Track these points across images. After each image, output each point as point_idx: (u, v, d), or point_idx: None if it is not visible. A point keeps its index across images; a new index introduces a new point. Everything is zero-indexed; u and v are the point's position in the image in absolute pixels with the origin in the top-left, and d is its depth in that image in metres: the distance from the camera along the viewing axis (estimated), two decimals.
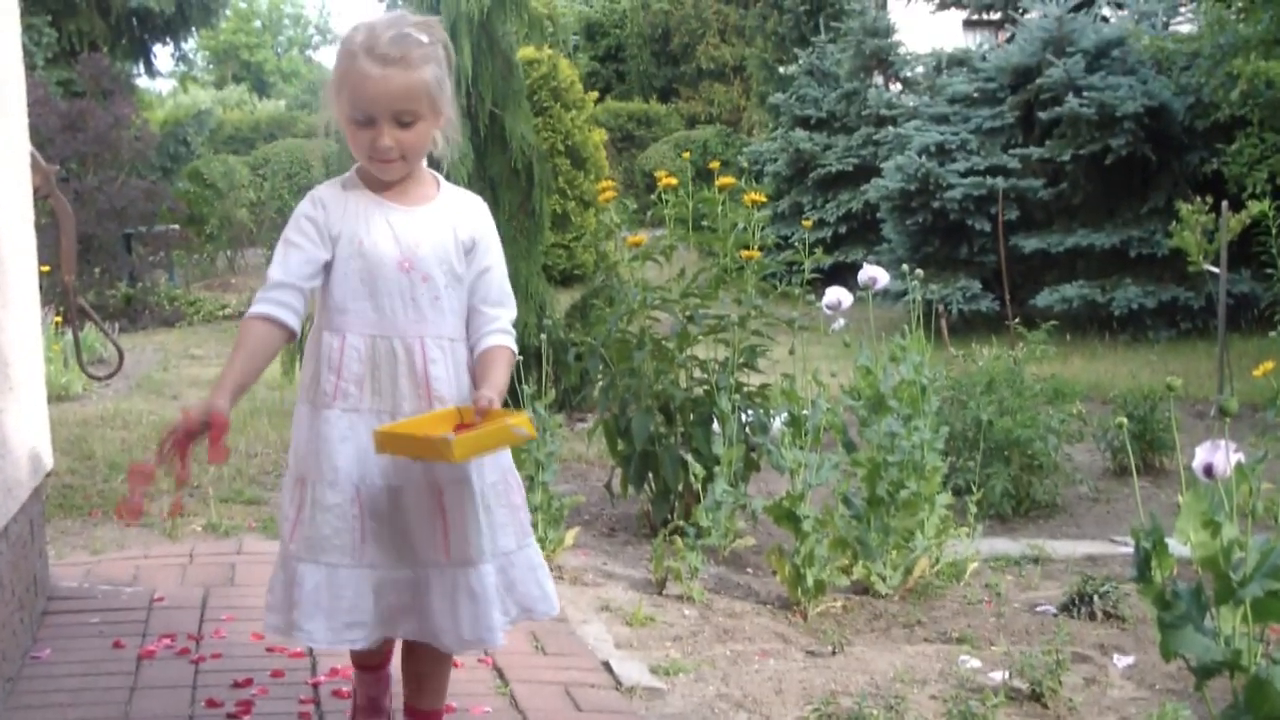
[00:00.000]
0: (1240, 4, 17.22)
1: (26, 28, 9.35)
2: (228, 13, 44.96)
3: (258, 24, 66.17)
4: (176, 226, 24.46)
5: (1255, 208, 12.46)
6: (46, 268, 8.41)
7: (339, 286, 4.36)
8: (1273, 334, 10.17)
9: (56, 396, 11.21)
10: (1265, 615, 3.86)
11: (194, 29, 34.94)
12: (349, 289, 4.35)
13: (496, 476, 4.53)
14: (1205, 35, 18.29)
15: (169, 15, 31.64)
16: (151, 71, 36.13)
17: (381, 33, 4.30)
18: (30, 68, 8.53)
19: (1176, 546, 3.96)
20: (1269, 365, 5.28)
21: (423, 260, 4.38)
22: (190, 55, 56.16)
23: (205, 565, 7.55)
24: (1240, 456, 3.88)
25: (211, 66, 61.79)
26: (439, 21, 4.61)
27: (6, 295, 6.00)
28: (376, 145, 4.29)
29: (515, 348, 4.61)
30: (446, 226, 4.49)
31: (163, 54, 35.36)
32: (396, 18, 4.46)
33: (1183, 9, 20.43)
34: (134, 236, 22.81)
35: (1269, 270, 13.85)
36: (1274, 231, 12.07)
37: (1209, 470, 3.88)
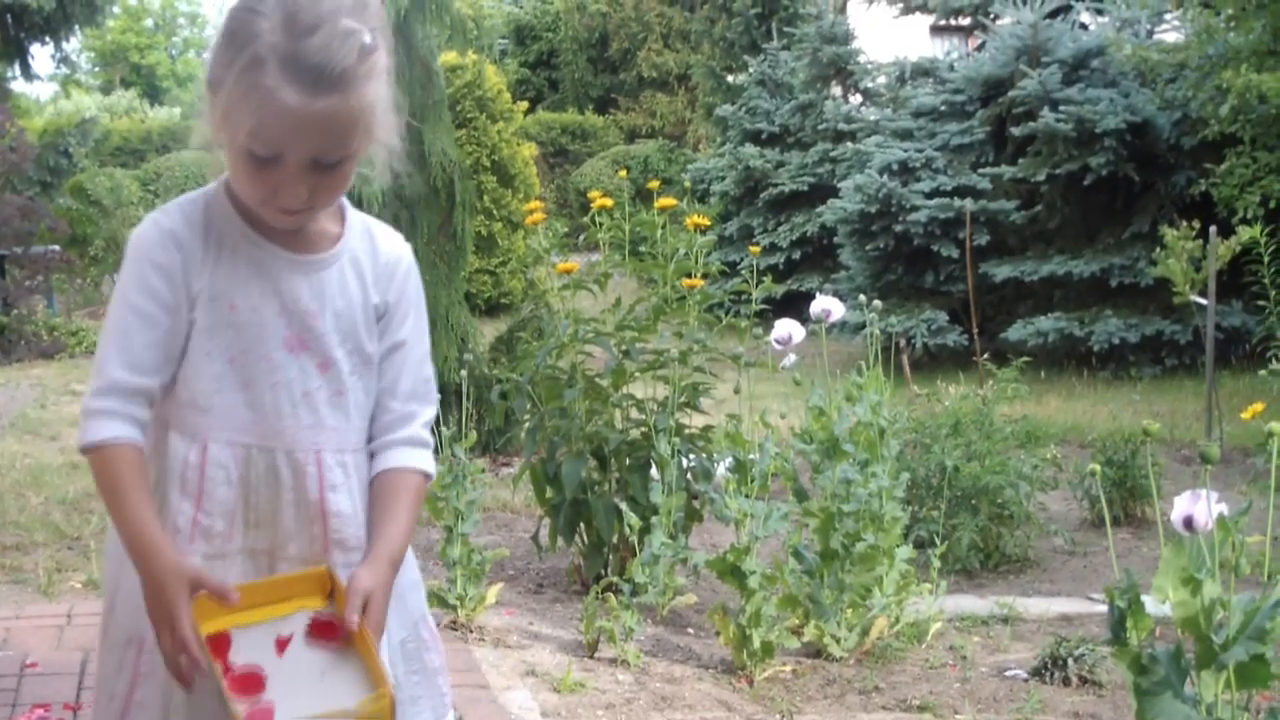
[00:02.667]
0: (1231, 11, 17.31)
1: None
2: (115, 9, 44.75)
3: (150, 23, 66.09)
4: (57, 248, 24.40)
5: (1246, 234, 12.56)
6: None
7: (198, 371, 3.33)
8: (1264, 371, 10.25)
9: None
10: (1250, 681, 3.90)
11: (77, 27, 34.53)
12: (213, 375, 3.33)
13: (405, 632, 3.68)
14: (1193, 45, 18.40)
15: (49, 11, 30.98)
16: (29, 74, 35.85)
17: (305, 30, 3.10)
18: None
19: (1155, 605, 4.00)
20: (1259, 406, 5.33)
21: (321, 338, 3.39)
22: (73, 57, 55.94)
23: (85, 627, 7.53)
24: (1224, 507, 3.93)
25: (97, 69, 61.67)
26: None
27: None
28: (281, 194, 3.25)
29: (431, 468, 3.73)
30: (354, 284, 3.47)
31: (41, 55, 35.16)
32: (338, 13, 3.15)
33: (1168, 16, 20.56)
34: (8, 258, 22.73)
35: (1261, 302, 13.94)
36: (1266, 260, 12.18)
37: (1189, 523, 3.92)
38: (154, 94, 56.21)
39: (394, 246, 3.64)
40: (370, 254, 3.53)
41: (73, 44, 46.31)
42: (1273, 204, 16.29)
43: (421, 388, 3.63)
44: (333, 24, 3.11)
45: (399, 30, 12.03)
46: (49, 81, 50.44)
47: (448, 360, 11.57)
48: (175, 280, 3.26)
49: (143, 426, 3.25)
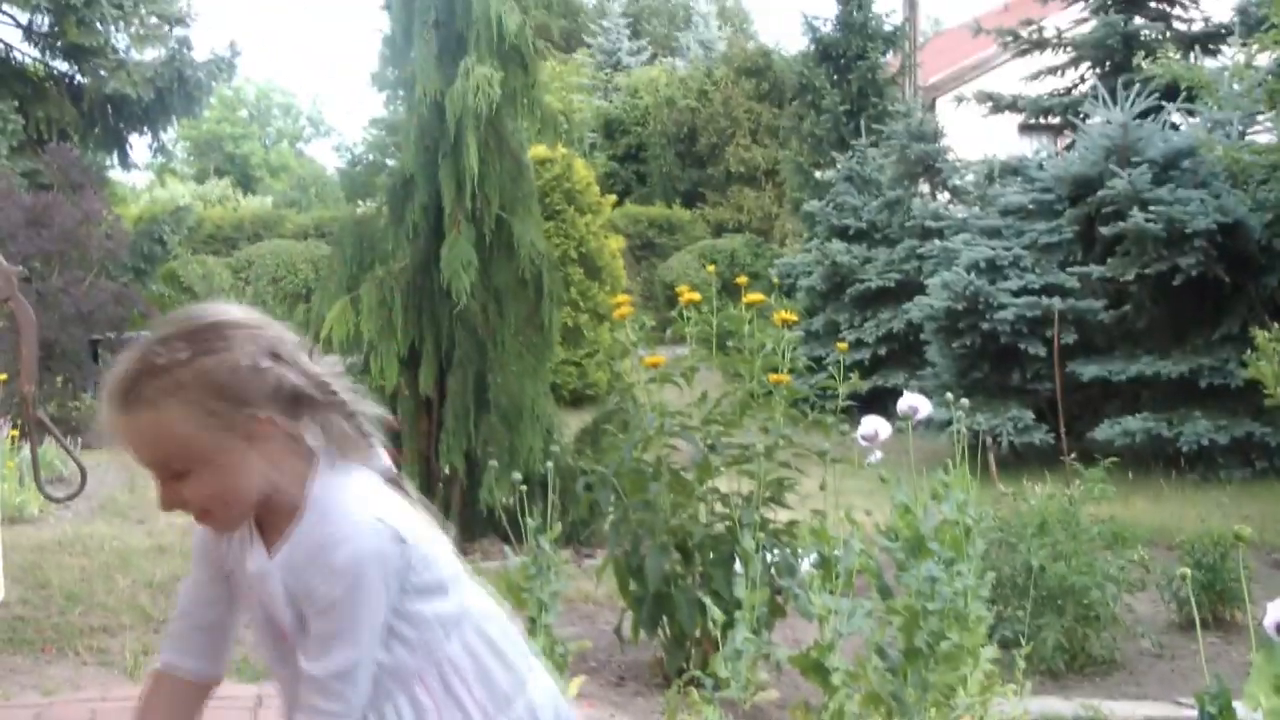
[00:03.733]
0: None
1: None
2: (212, 100, 45.08)
3: (244, 114, 66.66)
4: (149, 334, 24.48)
5: None
6: (4, 376, 8.42)
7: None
8: None
9: (10, 518, 11.24)
10: None
11: (175, 118, 34.81)
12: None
13: None
14: None
15: (147, 103, 31.26)
16: (126, 163, 36.15)
17: (118, 364, 3.37)
18: None
19: (1246, 712, 3.96)
20: None
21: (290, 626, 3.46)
22: (169, 146, 56.20)
23: None
24: None
25: (192, 158, 62.20)
26: (209, 321, 3.46)
27: None
28: (160, 502, 3.40)
29: None
30: (278, 583, 3.45)
31: (139, 144, 35.27)
32: (146, 337, 3.50)
33: (1261, 118, 20.47)
34: (102, 344, 22.81)
35: None
36: None
37: None
38: (247, 183, 56.65)
39: (322, 545, 3.43)
40: (300, 553, 3.44)
41: (169, 134, 46.46)
42: None
43: (322, 645, 3.41)
44: (135, 344, 3.35)
45: (490, 124, 12.06)
46: (145, 170, 50.79)
47: (533, 451, 11.56)
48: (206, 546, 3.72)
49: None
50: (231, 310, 3.57)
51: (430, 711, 3.59)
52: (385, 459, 3.73)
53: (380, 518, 3.44)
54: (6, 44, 31.24)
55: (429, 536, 3.68)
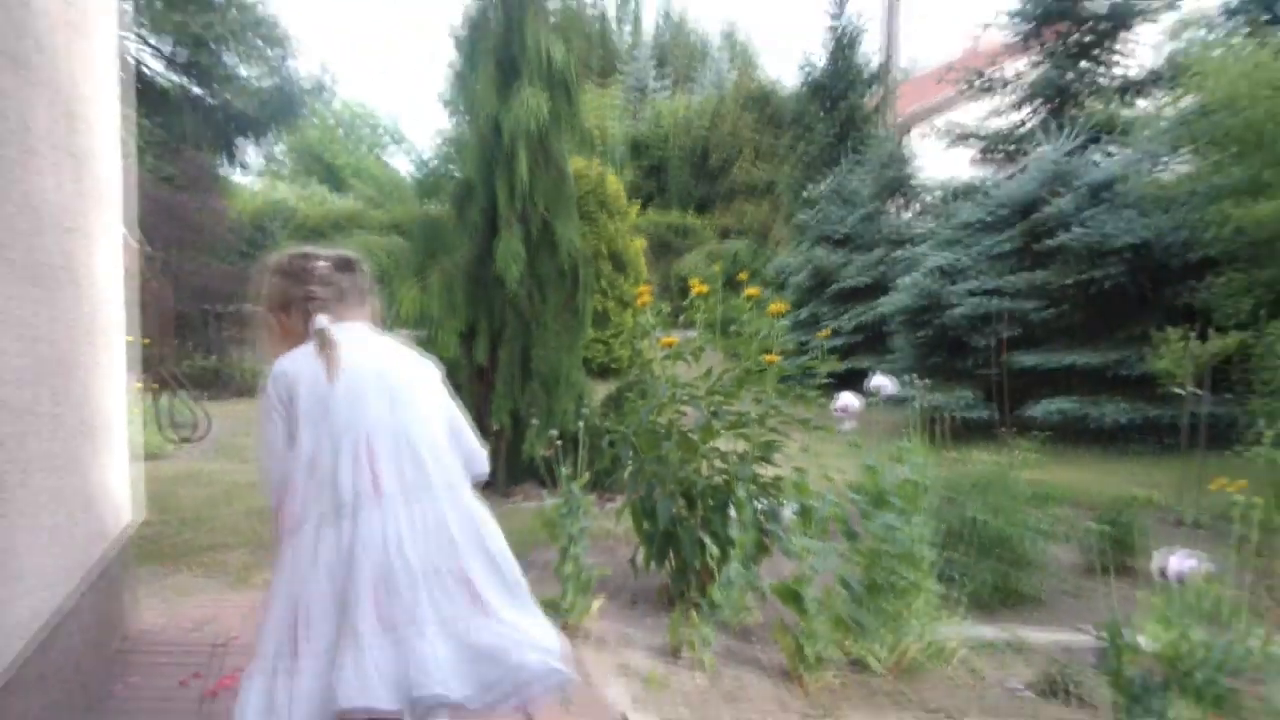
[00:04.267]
0: (1225, 155, 17.27)
1: (136, 126, 9.40)
2: (311, 118, 45.23)
3: (337, 128, 66.58)
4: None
5: (1230, 339, 12.50)
6: (146, 340, 8.46)
7: None
8: (1240, 450, 10.18)
9: (146, 457, 11.30)
10: (1214, 704, 3.91)
11: (280, 130, 35.36)
12: None
13: None
14: (1191, 179, 18.35)
15: (259, 117, 32.12)
16: (234, 163, 36.41)
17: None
18: (134, 162, 8.59)
19: (1141, 641, 4.01)
20: (1223, 481, 5.32)
21: None
22: (278, 156, 56.37)
23: None
24: (1196, 563, 3.94)
25: (295, 166, 62.03)
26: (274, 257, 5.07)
27: (106, 368, 6.09)
28: None
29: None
30: None
31: (253, 152, 35.68)
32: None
33: (1180, 152, 20.44)
34: (218, 315, 22.90)
35: (1239, 394, 13.88)
36: (1248, 359, 12.08)
37: (1172, 574, 3.93)
38: (337, 186, 56.49)
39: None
40: None
41: (277, 147, 46.85)
42: (1250, 314, 16.18)
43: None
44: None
45: (540, 141, 12.09)
46: (259, 175, 50.75)
47: (567, 413, 11.59)
48: None
49: None
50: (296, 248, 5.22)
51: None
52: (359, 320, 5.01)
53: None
54: (149, 69, 31.60)
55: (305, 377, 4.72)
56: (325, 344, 4.71)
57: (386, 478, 4.63)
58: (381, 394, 4.74)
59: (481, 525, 4.85)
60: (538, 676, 4.60)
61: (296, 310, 4.91)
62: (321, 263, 4.99)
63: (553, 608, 7.79)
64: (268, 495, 4.71)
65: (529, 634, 4.68)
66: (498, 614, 4.69)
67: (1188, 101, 19.07)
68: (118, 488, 6.31)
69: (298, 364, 4.68)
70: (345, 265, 5.07)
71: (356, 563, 4.49)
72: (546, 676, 4.62)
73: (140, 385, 12.30)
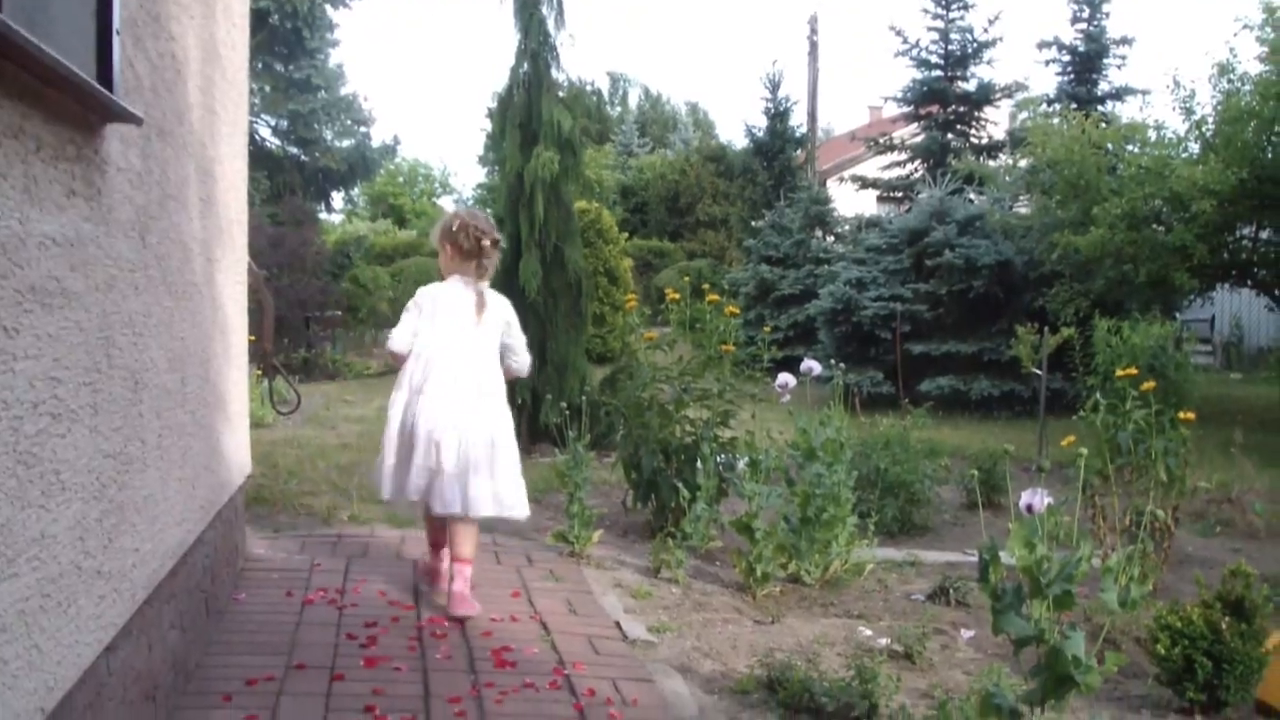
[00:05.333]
0: (1059, 198, 17.46)
1: (251, 179, 9.62)
2: (381, 172, 45.40)
3: (401, 179, 66.54)
4: (340, 313, 24.66)
5: (1065, 333, 12.54)
6: (254, 338, 8.56)
7: None
8: (1075, 417, 10.19)
9: (256, 425, 11.24)
10: (1061, 606, 3.88)
11: (359, 181, 35.84)
12: None
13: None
14: (1035, 215, 18.54)
15: (342, 172, 32.65)
16: (329, 209, 36.61)
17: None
18: (250, 206, 8.77)
19: (1007, 558, 3.98)
20: (1072, 439, 5.31)
21: None
22: (355, 199, 56.41)
23: (349, 544, 7.59)
24: (1049, 499, 3.91)
25: (368, 206, 62.08)
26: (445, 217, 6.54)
27: (232, 357, 6.10)
28: None
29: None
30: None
31: (337, 198, 36.07)
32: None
33: (1022, 198, 20.69)
34: (311, 319, 22.92)
35: (1074, 374, 13.94)
36: (1077, 348, 12.11)
37: (1029, 508, 3.90)
38: (402, 222, 56.54)
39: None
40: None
41: (355, 191, 47.02)
42: (1081, 314, 16.25)
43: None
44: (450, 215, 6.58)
45: (552, 187, 12.10)
46: (341, 214, 50.90)
47: (573, 390, 11.58)
48: None
49: None
50: (465, 211, 6.63)
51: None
52: (478, 279, 6.33)
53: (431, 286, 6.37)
54: (262, 137, 32.02)
55: (444, 303, 6.25)
56: (479, 300, 6.27)
57: (450, 366, 6.12)
58: (479, 325, 6.24)
59: (484, 415, 6.14)
60: (489, 512, 6.12)
61: (464, 258, 6.30)
62: (489, 240, 6.31)
63: (563, 538, 7.77)
64: (393, 348, 6.26)
65: (492, 490, 6.09)
66: (495, 467, 6.12)
67: (1026, 162, 19.35)
68: (237, 449, 6.30)
69: (442, 290, 6.29)
70: (495, 245, 6.38)
71: (437, 407, 6.04)
72: (511, 513, 6.23)
73: (259, 372, 12.28)
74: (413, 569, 6.85)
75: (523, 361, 6.54)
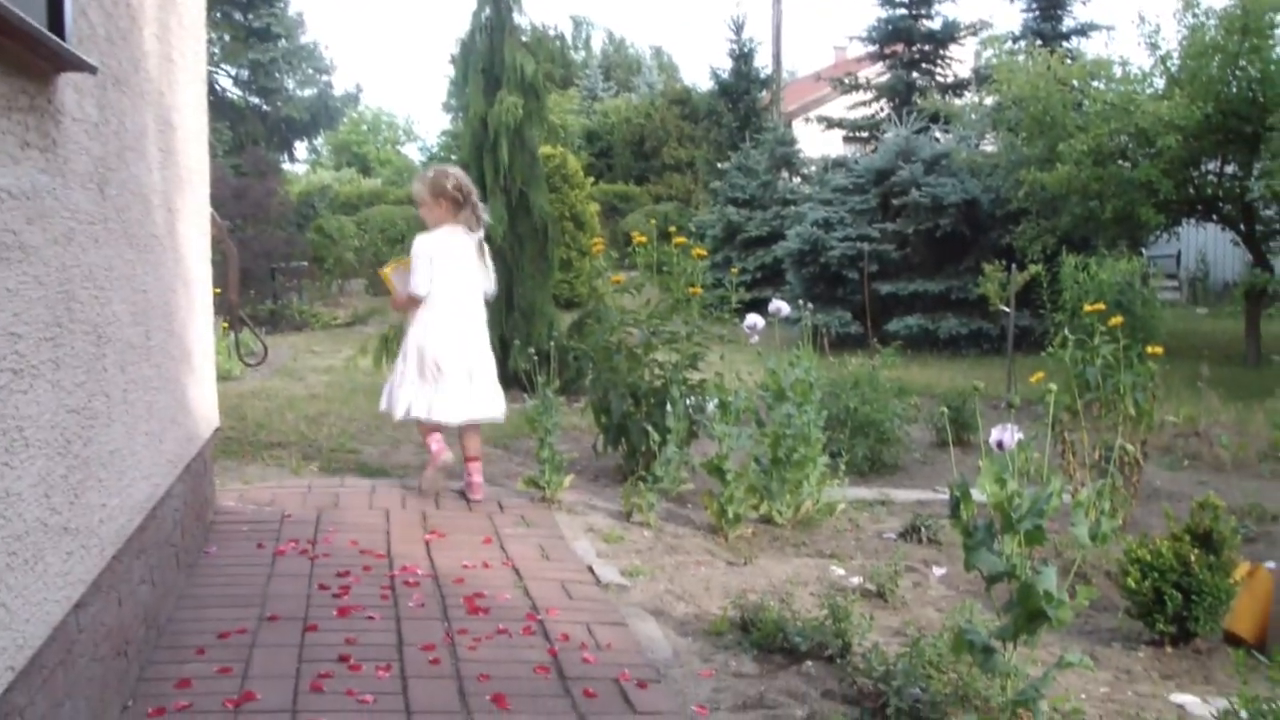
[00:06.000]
0: (1024, 134, 17.47)
1: (212, 130, 9.56)
2: (344, 121, 45.16)
3: (364, 128, 66.10)
4: (305, 263, 24.55)
5: (1032, 269, 12.56)
6: (219, 290, 8.54)
7: None
8: (1044, 353, 10.22)
9: (223, 378, 11.19)
10: (1032, 542, 3.89)
11: (321, 131, 35.61)
12: None
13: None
14: (1002, 153, 18.54)
15: (305, 122, 32.38)
16: (293, 159, 36.39)
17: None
18: (213, 156, 8.71)
19: (978, 495, 3.99)
20: (1040, 375, 5.32)
21: None
22: (319, 149, 56.08)
23: (319, 494, 7.57)
24: (1020, 436, 3.92)
25: (333, 156, 61.71)
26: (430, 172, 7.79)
27: (196, 310, 6.06)
28: None
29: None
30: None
31: (300, 148, 35.86)
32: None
33: (989, 135, 20.69)
34: (276, 270, 22.82)
35: (1041, 311, 13.97)
36: (1044, 285, 12.13)
37: (999, 444, 3.91)
38: (366, 170, 56.17)
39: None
40: None
41: (319, 142, 46.81)
42: (1048, 251, 16.30)
43: None
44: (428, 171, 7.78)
45: (517, 132, 12.02)
46: (304, 164, 50.62)
47: (542, 335, 11.57)
48: None
49: None
50: (449, 168, 7.85)
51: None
52: (474, 227, 7.67)
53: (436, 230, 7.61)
54: (223, 87, 31.78)
55: (448, 250, 7.57)
56: (481, 248, 7.75)
57: (457, 304, 7.58)
58: (464, 267, 7.61)
59: (479, 338, 7.72)
60: (487, 416, 7.74)
61: (457, 209, 7.57)
62: (476, 194, 7.73)
63: (534, 484, 7.77)
64: (415, 292, 7.46)
65: (488, 397, 7.73)
66: (486, 378, 7.74)
67: (991, 99, 19.35)
68: (204, 401, 6.26)
69: (440, 238, 7.56)
70: (479, 195, 7.87)
71: (447, 337, 7.52)
72: (490, 416, 7.78)
73: (225, 325, 12.22)
74: (429, 472, 7.75)
75: (491, 290, 7.89)
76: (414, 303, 7.52)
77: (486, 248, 7.80)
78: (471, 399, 7.56)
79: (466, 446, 7.65)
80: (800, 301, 9.36)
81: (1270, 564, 5.77)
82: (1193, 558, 5.27)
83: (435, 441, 7.62)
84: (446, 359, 7.46)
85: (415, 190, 7.84)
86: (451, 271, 7.52)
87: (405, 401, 7.53)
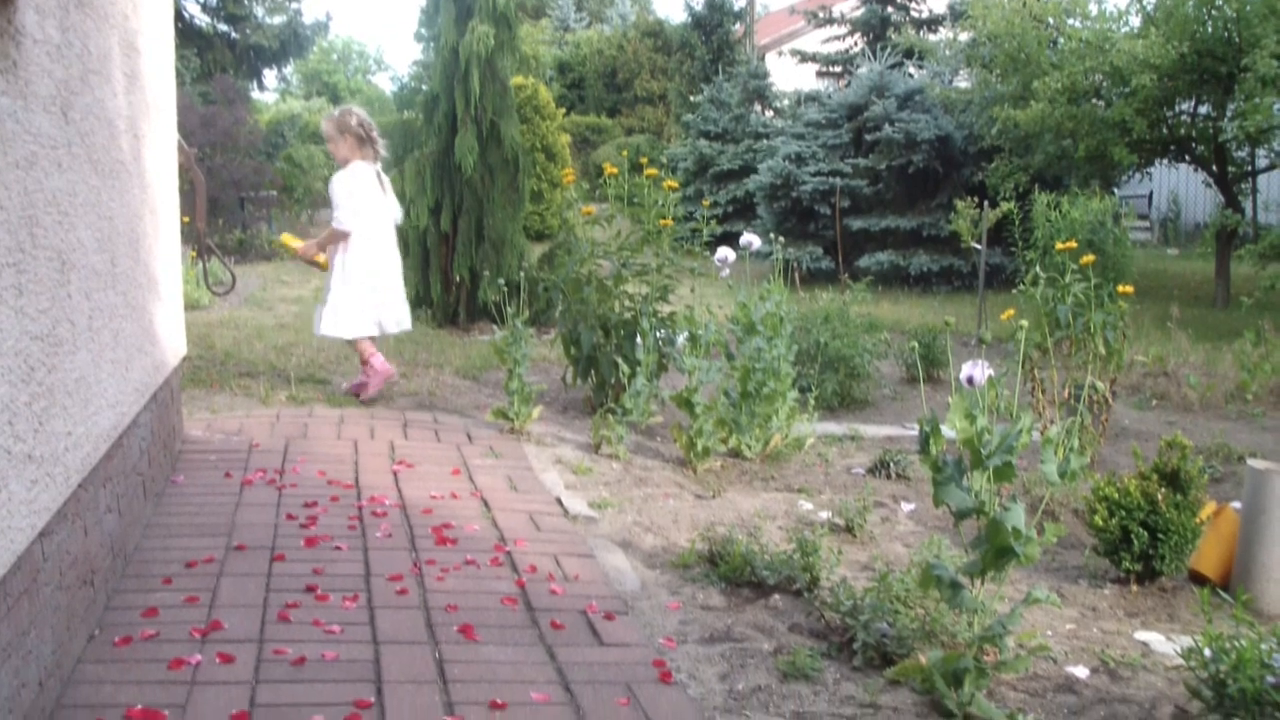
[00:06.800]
0: (998, 71, 17.43)
1: (180, 57, 9.49)
2: (314, 49, 44.82)
3: (334, 57, 65.57)
4: (275, 193, 24.38)
5: (1005, 207, 12.55)
6: (188, 219, 8.53)
7: None
8: (1015, 291, 10.23)
9: (191, 307, 11.13)
10: (1001, 478, 3.90)
11: (291, 60, 35.42)
12: None
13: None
14: (976, 90, 18.50)
15: (274, 50, 32.26)
16: (262, 88, 36.19)
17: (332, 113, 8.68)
18: (180, 85, 8.60)
19: (947, 431, 3.99)
20: (1011, 312, 5.32)
21: None
22: (289, 78, 55.69)
23: (288, 424, 7.54)
24: (990, 372, 3.91)
25: (302, 85, 61.19)
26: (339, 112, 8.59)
27: (163, 237, 6.01)
28: None
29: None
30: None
31: (270, 76, 35.70)
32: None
33: (962, 72, 20.65)
34: (245, 199, 22.68)
35: (1013, 248, 13.98)
36: (1016, 223, 12.14)
37: (970, 381, 3.90)
38: (336, 100, 55.77)
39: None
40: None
41: (289, 70, 46.41)
42: (1020, 189, 16.32)
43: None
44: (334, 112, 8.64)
45: (488, 63, 11.91)
46: (275, 93, 50.22)
47: (512, 267, 11.56)
48: None
49: None
50: (354, 108, 8.58)
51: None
52: (374, 160, 8.55)
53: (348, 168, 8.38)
54: (190, 14, 31.61)
55: (363, 183, 8.40)
56: (380, 177, 8.57)
57: (382, 227, 8.55)
58: (378, 196, 8.50)
59: (397, 259, 8.81)
60: (407, 327, 8.83)
61: (361, 145, 8.44)
62: (376, 131, 8.57)
63: (502, 415, 7.77)
64: (343, 229, 8.32)
65: (406, 311, 8.81)
66: (398, 295, 8.74)
67: (966, 36, 19.29)
68: (171, 330, 6.22)
69: (354, 173, 8.37)
70: (379, 132, 8.72)
71: (381, 258, 8.54)
72: (406, 327, 8.84)
73: (194, 254, 12.14)
74: (359, 385, 8.56)
75: (399, 215, 8.97)
76: (337, 238, 8.42)
77: (385, 178, 8.67)
78: (402, 312, 8.70)
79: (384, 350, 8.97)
80: (771, 236, 9.34)
81: (1236, 504, 5.80)
82: (1160, 497, 5.29)
83: (378, 359, 8.44)
84: (383, 277, 8.49)
85: (324, 129, 8.62)
86: (370, 200, 8.42)
87: (352, 322, 8.39)
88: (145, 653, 3.95)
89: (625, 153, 9.63)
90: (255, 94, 35.78)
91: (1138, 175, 18.98)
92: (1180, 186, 24.84)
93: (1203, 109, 16.55)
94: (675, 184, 8.79)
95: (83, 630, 3.95)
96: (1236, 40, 14.77)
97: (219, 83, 25.56)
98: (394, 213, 8.77)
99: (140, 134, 5.35)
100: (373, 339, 8.56)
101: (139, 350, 5.16)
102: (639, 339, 8.00)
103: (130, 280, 4.99)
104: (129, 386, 4.87)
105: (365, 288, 8.39)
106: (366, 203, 8.38)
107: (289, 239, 8.93)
